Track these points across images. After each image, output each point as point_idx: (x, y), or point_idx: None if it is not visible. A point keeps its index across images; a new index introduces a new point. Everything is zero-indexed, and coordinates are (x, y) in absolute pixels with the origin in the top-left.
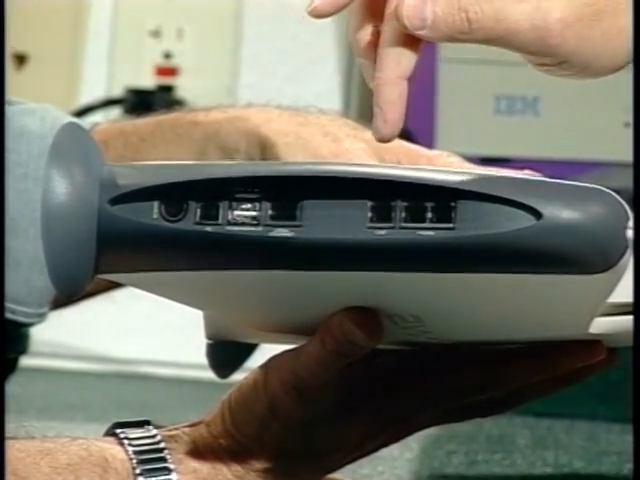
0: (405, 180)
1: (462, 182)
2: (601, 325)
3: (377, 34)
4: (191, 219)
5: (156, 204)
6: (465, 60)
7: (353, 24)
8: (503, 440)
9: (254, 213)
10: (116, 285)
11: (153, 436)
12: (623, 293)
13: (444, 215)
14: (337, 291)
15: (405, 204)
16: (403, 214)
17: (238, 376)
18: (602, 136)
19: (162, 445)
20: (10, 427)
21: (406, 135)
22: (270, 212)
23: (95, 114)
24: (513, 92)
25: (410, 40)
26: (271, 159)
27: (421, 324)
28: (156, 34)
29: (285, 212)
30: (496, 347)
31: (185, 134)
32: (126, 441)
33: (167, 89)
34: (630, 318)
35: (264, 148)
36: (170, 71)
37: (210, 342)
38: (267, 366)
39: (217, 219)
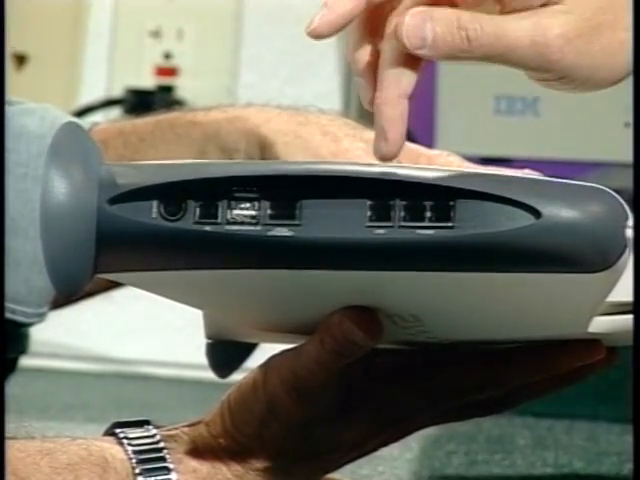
0: (404, 179)
1: (461, 181)
2: (600, 324)
3: (376, 53)
4: (190, 218)
5: (155, 203)
6: None
7: (352, 43)
8: (503, 440)
9: (253, 212)
10: (115, 285)
11: (152, 436)
12: (622, 292)
13: (443, 214)
14: (336, 290)
15: (404, 203)
16: (402, 213)
17: (237, 376)
18: (602, 136)
19: (161, 445)
20: (10, 427)
21: (406, 135)
22: (269, 211)
23: (95, 114)
24: (513, 92)
25: (410, 59)
26: (270, 159)
27: (420, 324)
28: (156, 34)
29: (284, 211)
30: (495, 346)
31: (184, 134)
32: (125, 441)
33: (167, 89)
34: (629, 317)
35: (263, 148)
36: (170, 71)
37: (209, 342)
38: (266, 366)
39: (216, 218)
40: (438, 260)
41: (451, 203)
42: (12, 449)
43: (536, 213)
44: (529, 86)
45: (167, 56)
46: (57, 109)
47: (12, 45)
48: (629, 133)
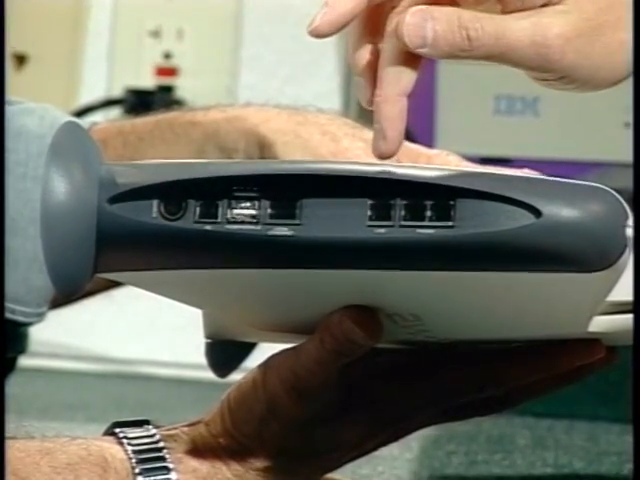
0: (404, 178)
1: (462, 180)
2: (600, 324)
3: (376, 52)
4: (190, 218)
5: (155, 203)
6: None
7: (352, 42)
8: (503, 440)
9: (253, 212)
10: (116, 284)
11: (152, 435)
12: (622, 292)
13: (443, 213)
14: (336, 290)
15: (404, 202)
16: (402, 212)
17: (237, 376)
18: (602, 136)
19: (161, 444)
20: (10, 427)
21: (406, 135)
22: (269, 210)
23: (95, 114)
24: (513, 92)
25: (410, 58)
26: (270, 158)
27: (420, 323)
28: (156, 34)
29: (284, 211)
30: (495, 346)
31: (184, 133)
32: (125, 440)
33: (167, 89)
34: (629, 317)
35: (263, 147)
36: (170, 71)
37: (209, 341)
38: (266, 365)
39: (216, 217)
40: (438, 259)
41: (451, 202)
42: (12, 449)
43: (536, 212)
44: (529, 86)
45: (167, 56)
46: (57, 109)
47: (12, 45)
48: (629, 133)
